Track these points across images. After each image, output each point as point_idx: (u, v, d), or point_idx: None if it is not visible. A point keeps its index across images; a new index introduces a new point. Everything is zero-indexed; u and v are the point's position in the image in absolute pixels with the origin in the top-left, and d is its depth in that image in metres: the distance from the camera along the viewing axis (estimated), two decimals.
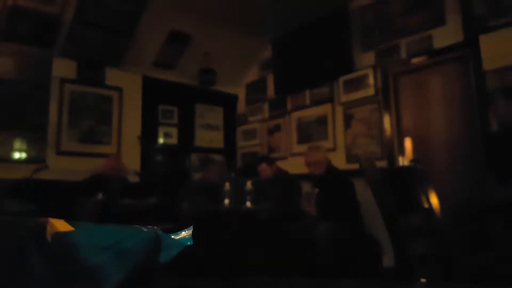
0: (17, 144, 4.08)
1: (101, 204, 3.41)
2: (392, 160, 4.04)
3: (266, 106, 5.68)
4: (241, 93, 6.14)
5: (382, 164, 3.99)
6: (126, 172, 4.21)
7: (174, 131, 5.43)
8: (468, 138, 3.58)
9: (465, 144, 3.60)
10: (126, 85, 4.99)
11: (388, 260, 3.38)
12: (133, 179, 4.54)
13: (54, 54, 4.37)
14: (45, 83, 4.33)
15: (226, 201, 3.80)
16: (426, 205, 2.72)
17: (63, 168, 4.19)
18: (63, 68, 4.47)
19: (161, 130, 5.32)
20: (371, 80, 4.30)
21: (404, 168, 3.86)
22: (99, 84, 4.78)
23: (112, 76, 4.87)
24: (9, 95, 4.05)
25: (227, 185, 3.87)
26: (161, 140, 5.30)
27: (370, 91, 4.30)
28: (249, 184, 3.75)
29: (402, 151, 3.93)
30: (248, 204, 3.68)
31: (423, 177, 2.82)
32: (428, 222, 2.72)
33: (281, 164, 4.58)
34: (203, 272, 2.98)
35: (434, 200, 2.72)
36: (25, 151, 4.12)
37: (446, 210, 2.74)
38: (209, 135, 5.80)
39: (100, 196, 3.49)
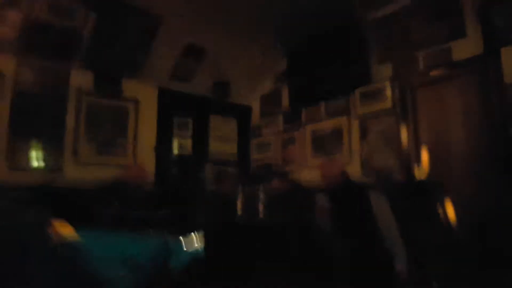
0: (34, 153, 4.14)
1: (116, 212, 3.41)
2: (409, 173, 3.95)
3: (280, 118, 5.66)
4: (255, 105, 6.14)
5: (399, 177, 3.91)
6: (148, 182, 4.18)
7: (188, 142, 5.45)
8: (487, 152, 3.49)
9: (485, 158, 3.51)
10: (142, 96, 5.04)
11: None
12: (148, 189, 4.54)
13: (73, 66, 4.45)
14: (63, 94, 4.40)
15: (240, 213, 3.78)
16: (443, 219, 2.66)
17: (79, 178, 4.22)
18: (80, 80, 4.54)
19: (176, 142, 5.35)
20: (388, 93, 4.25)
21: (421, 181, 3.78)
22: (116, 96, 4.84)
23: (129, 88, 4.93)
24: (27, 106, 4.13)
25: (241, 197, 3.84)
26: (175, 152, 5.31)
27: (388, 104, 4.24)
28: (262, 197, 3.73)
29: (419, 165, 3.85)
30: (262, 216, 3.64)
31: (441, 190, 2.76)
32: (445, 235, 2.66)
33: (295, 177, 4.54)
34: (215, 282, 2.95)
35: (451, 213, 2.66)
36: (43, 161, 4.18)
37: (465, 222, 2.67)
38: (223, 147, 5.80)
39: (116, 204, 3.49)
